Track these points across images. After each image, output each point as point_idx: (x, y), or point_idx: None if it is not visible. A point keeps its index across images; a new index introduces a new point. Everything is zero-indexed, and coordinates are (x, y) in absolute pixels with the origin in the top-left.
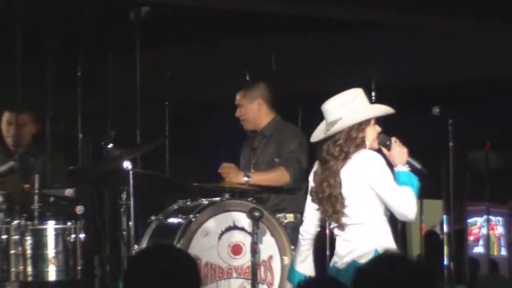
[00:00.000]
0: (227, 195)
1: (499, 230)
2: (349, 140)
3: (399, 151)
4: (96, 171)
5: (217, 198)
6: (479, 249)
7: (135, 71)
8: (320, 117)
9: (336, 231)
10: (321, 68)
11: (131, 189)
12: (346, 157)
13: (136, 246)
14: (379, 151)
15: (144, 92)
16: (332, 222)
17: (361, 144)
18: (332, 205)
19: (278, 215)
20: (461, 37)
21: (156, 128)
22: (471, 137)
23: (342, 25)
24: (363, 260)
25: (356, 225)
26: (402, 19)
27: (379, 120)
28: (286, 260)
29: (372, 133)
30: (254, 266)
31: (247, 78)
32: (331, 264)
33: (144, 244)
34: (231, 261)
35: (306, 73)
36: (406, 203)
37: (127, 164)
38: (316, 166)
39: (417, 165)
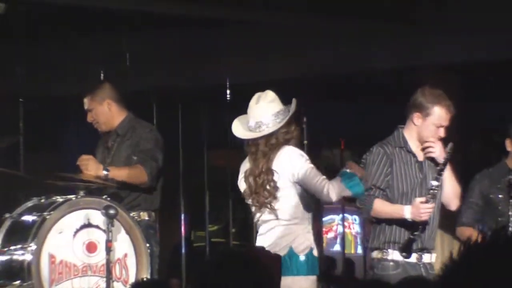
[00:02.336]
0: (81, 193)
1: (356, 228)
2: (289, 132)
3: None
4: None
5: (72, 196)
6: (336, 247)
7: None
8: (173, 112)
9: (260, 223)
10: (176, 65)
11: None
12: (280, 148)
13: None
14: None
15: None
16: (257, 215)
17: (297, 136)
18: (261, 196)
19: (132, 213)
20: (312, 35)
21: (10, 125)
22: (325, 135)
23: (196, 23)
24: None
25: (277, 221)
26: (252, 17)
27: None
28: (141, 258)
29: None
30: (109, 264)
31: (102, 75)
32: None
33: None
34: (86, 259)
35: (159, 69)
36: (328, 187)
37: None
38: (246, 166)
39: None
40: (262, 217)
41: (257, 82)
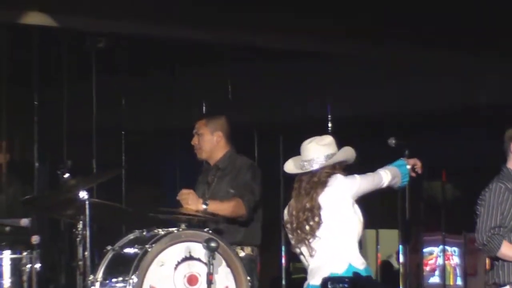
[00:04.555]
0: (183, 225)
1: (455, 260)
2: (332, 174)
3: None
4: (52, 200)
5: (174, 229)
6: (435, 279)
7: (91, 100)
8: (275, 146)
9: (306, 252)
10: (277, 98)
11: (87, 219)
12: (324, 185)
13: (91, 276)
14: None
15: (100, 121)
16: (303, 246)
17: None
18: (302, 233)
19: (236, 248)
20: (415, 68)
21: (112, 157)
22: (427, 167)
23: (297, 55)
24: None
25: (331, 243)
26: (355, 51)
27: None
28: None
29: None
30: None
31: (204, 107)
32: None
33: (100, 274)
34: None
35: (262, 102)
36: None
37: (83, 194)
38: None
39: None
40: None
41: (358, 115)
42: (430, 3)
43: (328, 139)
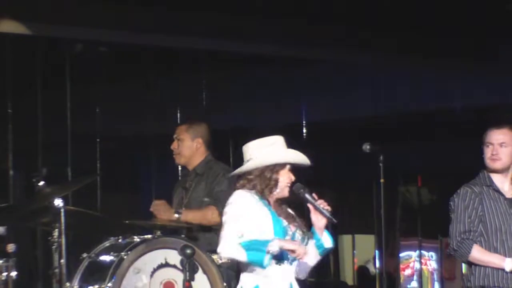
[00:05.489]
0: (158, 233)
1: (432, 265)
2: (262, 179)
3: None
4: (27, 208)
5: (149, 236)
6: (413, 284)
7: (66, 107)
8: None
9: None
10: (252, 104)
11: (63, 227)
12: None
13: (68, 284)
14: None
15: (75, 128)
16: None
17: (274, 186)
18: None
19: (213, 256)
20: (390, 73)
21: (87, 164)
22: (402, 172)
23: (271, 61)
24: None
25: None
26: (330, 56)
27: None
28: None
29: (284, 178)
30: None
31: (179, 114)
32: None
33: (76, 281)
34: None
35: (237, 109)
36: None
37: (58, 202)
38: None
39: (327, 214)
40: None
41: (332, 120)
42: (403, 7)
43: (270, 139)
